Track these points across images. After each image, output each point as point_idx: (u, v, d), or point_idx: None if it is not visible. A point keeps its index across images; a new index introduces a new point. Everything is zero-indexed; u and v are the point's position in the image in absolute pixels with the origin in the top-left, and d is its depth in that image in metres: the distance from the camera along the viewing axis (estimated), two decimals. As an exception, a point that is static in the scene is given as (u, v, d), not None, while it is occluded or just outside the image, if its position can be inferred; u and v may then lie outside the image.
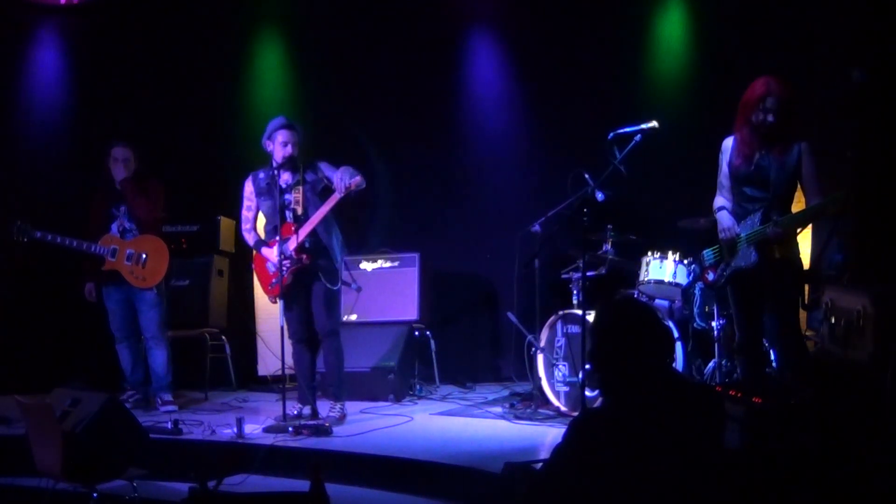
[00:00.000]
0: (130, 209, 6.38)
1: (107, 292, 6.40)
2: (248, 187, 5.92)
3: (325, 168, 5.79)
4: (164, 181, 6.61)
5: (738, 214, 4.66)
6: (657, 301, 6.20)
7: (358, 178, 5.61)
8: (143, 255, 6.32)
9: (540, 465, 2.91)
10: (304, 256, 5.71)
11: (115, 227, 6.39)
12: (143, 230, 6.41)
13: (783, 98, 4.49)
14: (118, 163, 6.36)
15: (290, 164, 5.75)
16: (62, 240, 6.27)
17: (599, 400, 5.27)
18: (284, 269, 5.70)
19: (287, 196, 5.79)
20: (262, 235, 5.98)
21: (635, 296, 6.03)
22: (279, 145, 5.74)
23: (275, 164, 5.75)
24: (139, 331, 6.45)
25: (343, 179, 5.56)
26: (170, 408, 6.30)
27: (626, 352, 2.64)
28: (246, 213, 5.97)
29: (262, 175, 5.85)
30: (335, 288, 5.82)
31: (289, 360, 5.92)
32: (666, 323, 5.16)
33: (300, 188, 5.76)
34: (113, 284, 6.37)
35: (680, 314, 6.18)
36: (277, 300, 5.72)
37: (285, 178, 5.84)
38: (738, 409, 3.61)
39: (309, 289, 5.81)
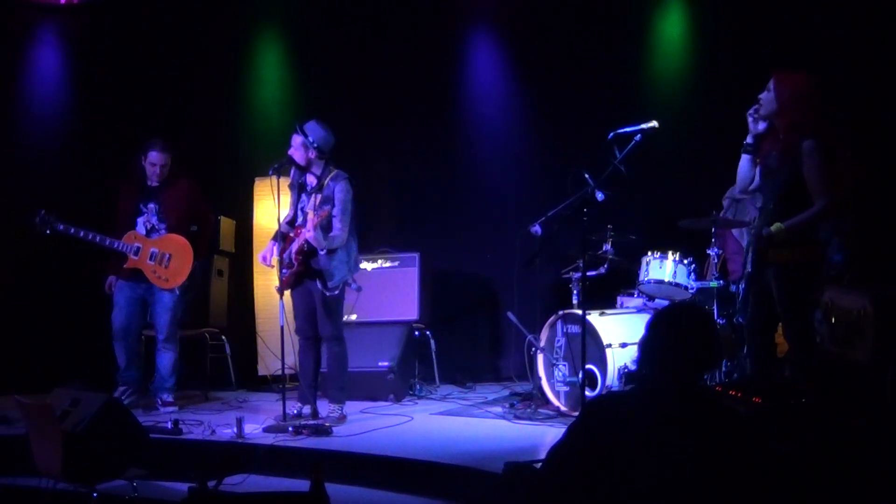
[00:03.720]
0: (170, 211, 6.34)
1: (119, 287, 6.30)
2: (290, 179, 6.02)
3: (338, 191, 5.76)
4: (195, 177, 6.63)
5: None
6: (657, 301, 6.20)
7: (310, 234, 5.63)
8: (168, 256, 6.26)
9: (541, 463, 2.93)
10: (299, 261, 5.76)
11: (140, 223, 6.31)
12: (174, 229, 6.34)
13: (778, 86, 4.46)
14: (155, 168, 6.28)
15: (294, 165, 5.81)
16: (85, 234, 6.16)
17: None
18: (284, 272, 5.77)
19: (304, 198, 5.86)
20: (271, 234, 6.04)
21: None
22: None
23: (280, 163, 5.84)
24: (139, 330, 6.41)
25: (310, 222, 5.64)
26: (170, 409, 6.28)
27: (666, 351, 2.71)
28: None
29: (294, 171, 5.92)
30: (331, 294, 5.79)
31: (289, 360, 5.93)
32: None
33: (316, 196, 5.79)
34: (131, 280, 6.27)
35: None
36: (281, 293, 5.80)
37: (311, 180, 5.88)
38: (737, 409, 3.61)
39: (310, 289, 5.84)
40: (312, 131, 5.77)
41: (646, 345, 2.85)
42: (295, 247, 5.75)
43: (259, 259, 6.05)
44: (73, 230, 6.16)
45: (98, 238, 6.19)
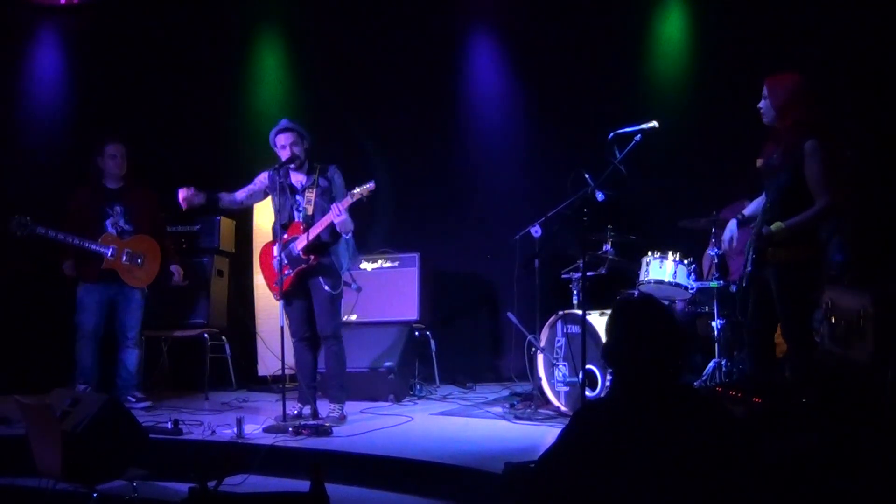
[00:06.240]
0: (138, 215, 6.48)
1: (90, 289, 6.41)
2: (263, 175, 5.96)
3: (336, 179, 5.84)
4: (153, 187, 6.75)
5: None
6: (657, 301, 6.19)
7: (346, 200, 5.65)
8: (141, 256, 6.42)
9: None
10: (312, 257, 5.74)
11: (109, 225, 6.43)
12: (141, 231, 6.48)
13: (772, 91, 4.47)
14: (116, 159, 6.44)
15: (294, 164, 5.79)
16: (64, 236, 6.25)
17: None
18: (289, 270, 5.75)
19: (299, 197, 5.86)
20: (271, 233, 6.01)
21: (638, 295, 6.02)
22: (279, 149, 5.83)
23: (278, 164, 5.83)
24: (104, 332, 6.49)
25: (338, 206, 5.63)
26: (145, 403, 6.39)
27: (629, 349, 2.69)
28: (248, 186, 5.99)
29: (282, 171, 5.88)
30: (335, 292, 5.82)
31: (289, 360, 5.92)
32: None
33: (314, 190, 5.79)
34: (101, 282, 6.39)
35: (680, 313, 6.18)
36: (282, 296, 5.75)
37: (299, 178, 5.88)
38: (738, 409, 3.61)
39: (310, 289, 5.83)
40: (298, 126, 5.84)
41: (608, 347, 2.81)
42: (301, 244, 5.75)
43: (277, 266, 5.97)
44: (51, 233, 6.23)
45: (76, 240, 6.28)
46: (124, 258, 6.37)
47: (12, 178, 7.60)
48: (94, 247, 6.31)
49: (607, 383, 5.59)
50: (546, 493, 2.73)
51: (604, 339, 2.87)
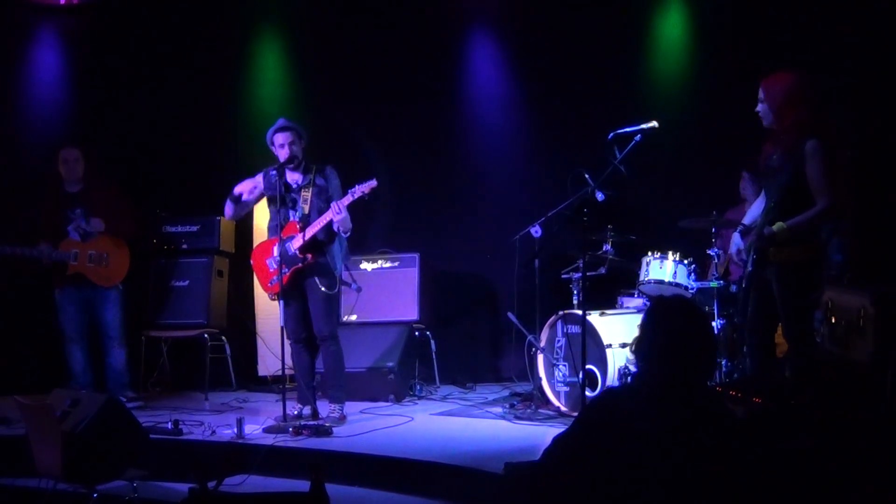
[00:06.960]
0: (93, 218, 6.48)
1: (65, 293, 6.46)
2: (258, 177, 5.95)
3: (332, 178, 5.86)
4: (118, 184, 6.79)
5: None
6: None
7: (347, 198, 5.65)
8: (105, 255, 6.46)
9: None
10: (309, 256, 5.74)
11: (71, 230, 6.46)
12: (105, 230, 6.51)
13: (768, 92, 4.47)
14: (68, 164, 6.49)
15: (293, 163, 5.79)
16: (22, 251, 6.32)
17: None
18: (285, 269, 5.73)
19: (295, 196, 5.85)
20: (266, 233, 6.02)
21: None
22: (278, 148, 5.82)
23: (279, 164, 5.81)
24: (89, 333, 6.54)
25: (338, 204, 5.63)
26: (136, 403, 6.41)
27: (661, 347, 2.69)
28: (245, 184, 5.95)
29: (272, 172, 5.87)
30: (331, 292, 5.83)
31: (289, 361, 5.92)
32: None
33: (310, 189, 5.79)
34: (73, 286, 6.45)
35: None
36: (277, 297, 5.73)
37: (295, 178, 5.88)
38: (738, 409, 3.62)
39: (306, 289, 5.83)
40: (296, 124, 5.84)
41: (640, 342, 2.81)
42: (297, 243, 5.75)
43: (271, 266, 5.96)
44: (8, 249, 6.29)
45: (35, 252, 6.34)
46: (88, 260, 6.41)
47: (13, 178, 7.59)
48: (54, 256, 6.36)
49: (607, 383, 5.60)
50: (556, 478, 2.73)
51: (637, 333, 2.86)
